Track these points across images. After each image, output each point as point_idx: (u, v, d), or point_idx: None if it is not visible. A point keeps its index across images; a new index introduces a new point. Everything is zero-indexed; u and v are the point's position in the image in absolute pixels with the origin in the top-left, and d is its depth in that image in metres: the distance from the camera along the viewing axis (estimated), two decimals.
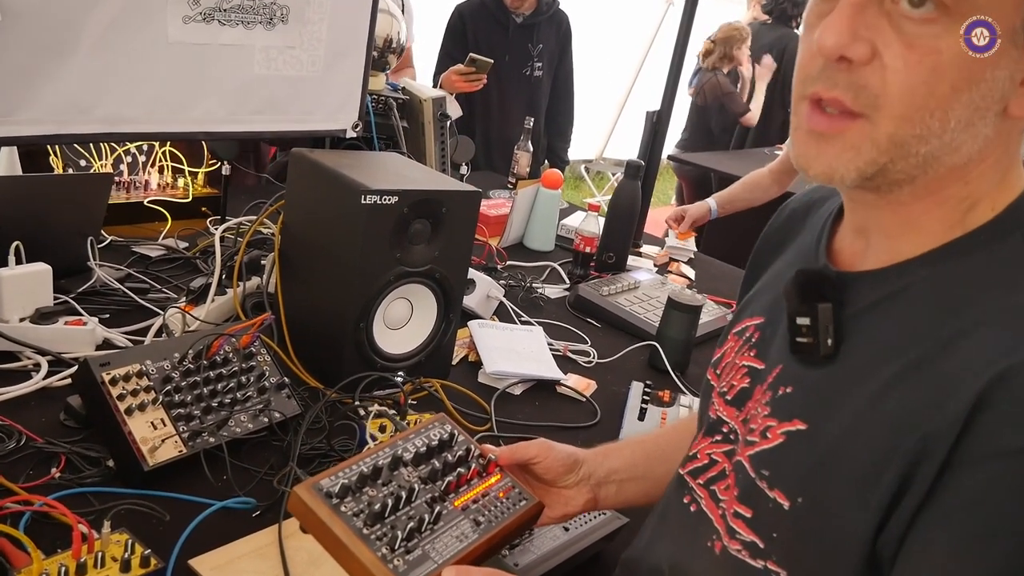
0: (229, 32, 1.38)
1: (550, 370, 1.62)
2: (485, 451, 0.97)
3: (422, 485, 0.88)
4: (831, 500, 0.67)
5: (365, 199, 1.29)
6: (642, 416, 1.49)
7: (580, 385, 1.62)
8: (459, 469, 0.92)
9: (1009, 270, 0.66)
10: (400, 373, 1.44)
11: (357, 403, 1.29)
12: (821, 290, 0.73)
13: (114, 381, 1.09)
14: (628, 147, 7.08)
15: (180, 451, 1.10)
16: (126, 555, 0.91)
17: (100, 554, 0.90)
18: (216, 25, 1.35)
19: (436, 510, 0.85)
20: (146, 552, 0.91)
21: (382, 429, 1.24)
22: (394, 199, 1.32)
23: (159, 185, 2.02)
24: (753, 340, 0.83)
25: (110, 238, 1.79)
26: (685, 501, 0.85)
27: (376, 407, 1.24)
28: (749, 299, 0.89)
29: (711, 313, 2.02)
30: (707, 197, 4.45)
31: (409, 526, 0.81)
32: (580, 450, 0.99)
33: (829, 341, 0.71)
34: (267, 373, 1.25)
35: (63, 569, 0.87)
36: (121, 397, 1.08)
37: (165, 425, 1.11)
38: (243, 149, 2.32)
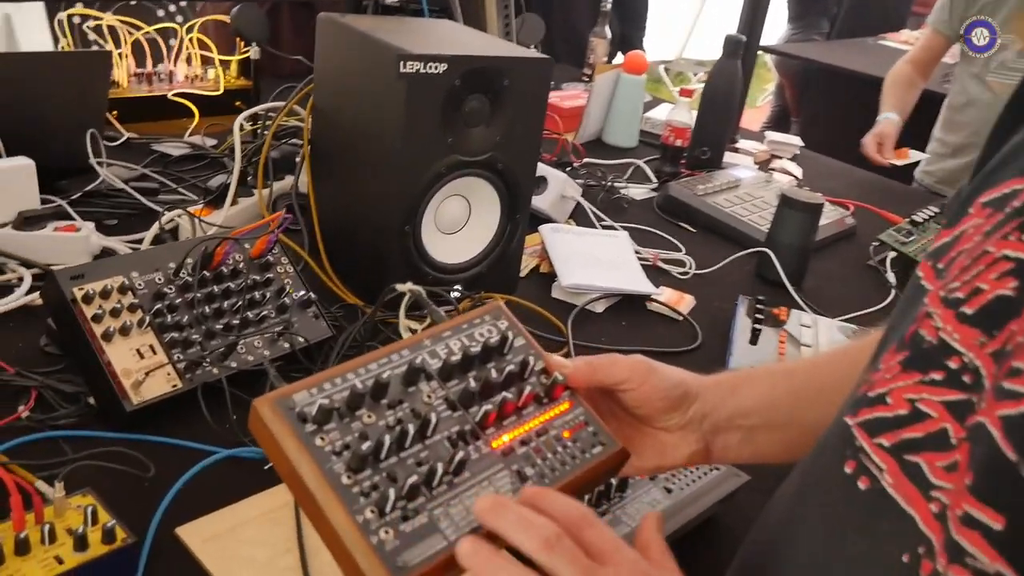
0: None
1: (639, 283, 1.34)
2: (552, 366, 0.67)
3: (448, 412, 0.61)
4: None
5: (405, 67, 1.01)
6: (755, 339, 1.20)
7: (675, 301, 1.34)
8: (507, 391, 0.64)
9: None
10: (456, 287, 1.18)
11: (402, 323, 1.04)
12: None
13: (88, 298, 0.86)
14: (710, 48, 6.56)
15: (174, 386, 0.87)
16: (84, 527, 0.68)
17: (49, 526, 0.68)
18: None
19: (461, 454, 0.57)
20: (109, 524, 0.68)
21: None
22: (442, 67, 1.04)
23: (187, 77, 1.78)
24: None
25: (127, 135, 1.56)
26: (847, 470, 0.53)
27: (409, 285, 0.95)
28: (1007, 155, 0.56)
29: (828, 215, 1.69)
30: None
31: (412, 478, 0.54)
32: (693, 378, 0.70)
33: None
34: (288, 288, 1.01)
35: None
36: (97, 318, 0.85)
37: (155, 353, 0.87)
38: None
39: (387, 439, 0.56)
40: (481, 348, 0.65)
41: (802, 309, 1.36)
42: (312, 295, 1.02)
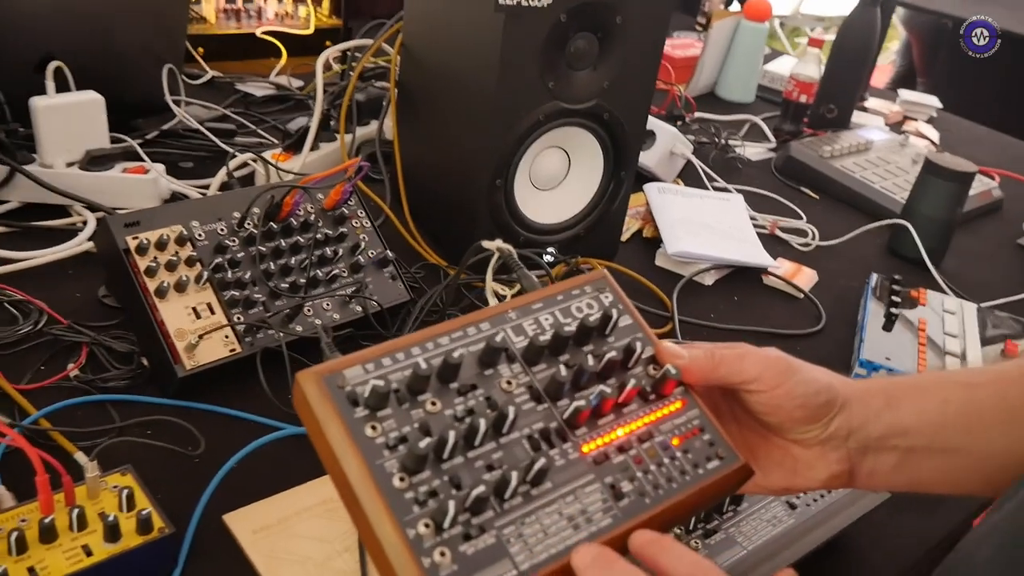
0: None
1: (755, 253, 1.19)
2: (665, 355, 0.54)
3: (530, 404, 0.49)
4: None
5: None
6: (889, 324, 1.04)
7: (794, 275, 1.19)
8: (606, 383, 0.52)
9: None
10: (550, 249, 1.07)
11: (489, 287, 0.92)
12: None
13: (142, 249, 0.77)
14: (830, 2, 6.13)
15: (232, 350, 0.78)
16: (117, 513, 0.60)
17: (79, 510, 0.59)
18: None
19: (543, 461, 0.46)
20: (145, 511, 0.60)
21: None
22: (546, 0, 0.90)
23: (276, 14, 1.69)
24: None
25: (212, 73, 1.48)
26: None
27: (497, 243, 0.83)
28: None
29: (974, 187, 1.49)
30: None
31: (480, 488, 0.43)
32: (841, 382, 0.56)
33: None
34: (364, 245, 0.91)
35: (15, 536, 0.57)
36: (150, 271, 0.77)
37: (213, 313, 0.79)
38: None
39: (453, 435, 0.44)
40: (578, 327, 0.53)
41: (943, 292, 1.19)
42: (390, 253, 0.92)
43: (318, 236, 0.86)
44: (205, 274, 0.79)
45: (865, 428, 0.55)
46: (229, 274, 0.80)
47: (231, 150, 1.14)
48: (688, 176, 1.43)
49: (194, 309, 0.78)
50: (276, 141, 1.25)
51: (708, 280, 1.15)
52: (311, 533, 0.67)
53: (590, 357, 0.52)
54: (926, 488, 0.58)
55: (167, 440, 0.72)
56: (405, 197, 1.10)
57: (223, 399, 0.77)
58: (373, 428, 0.45)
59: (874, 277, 1.15)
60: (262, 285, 0.82)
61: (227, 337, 0.78)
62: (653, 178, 1.37)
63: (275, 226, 0.84)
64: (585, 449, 0.49)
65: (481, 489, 0.43)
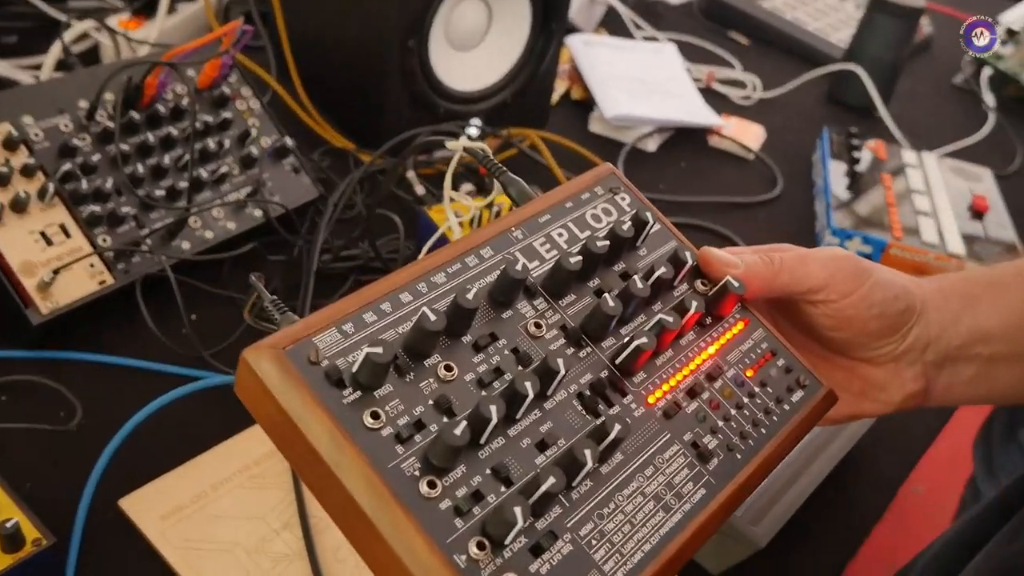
0: None
1: (700, 112, 1.07)
2: (716, 266, 0.42)
3: (570, 350, 0.37)
4: None
5: None
6: (854, 184, 0.95)
7: (740, 134, 1.07)
8: (657, 310, 0.40)
9: None
10: (475, 121, 0.90)
11: (448, 197, 0.76)
12: None
13: None
14: None
15: (102, 282, 0.61)
16: None
17: None
18: None
19: (618, 427, 0.33)
20: (11, 523, 0.44)
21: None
22: None
23: None
24: None
25: None
26: None
27: (462, 141, 0.68)
28: None
29: None
30: None
31: (550, 481, 0.30)
32: (914, 283, 0.45)
33: None
34: (255, 132, 0.73)
35: None
36: None
37: (69, 236, 0.60)
38: None
39: (494, 409, 0.31)
40: (605, 238, 0.39)
41: (897, 142, 1.10)
42: (288, 140, 0.74)
43: (196, 125, 0.68)
44: (51, 186, 0.60)
45: (945, 336, 0.45)
46: (84, 183, 0.61)
47: (63, 18, 0.91)
48: (610, 25, 1.27)
49: (43, 234, 0.59)
50: (121, 3, 1.02)
51: (651, 146, 1.02)
52: (236, 510, 0.53)
53: (636, 276, 0.39)
54: (1006, 399, 0.49)
55: (30, 410, 0.56)
56: (295, 67, 0.90)
57: (98, 345, 0.61)
58: (374, 416, 0.31)
59: (826, 131, 1.05)
60: (130, 195, 0.64)
61: (93, 266, 0.60)
62: (572, 29, 1.20)
63: (137, 116, 0.65)
64: (651, 400, 0.38)
65: (552, 481, 0.30)
